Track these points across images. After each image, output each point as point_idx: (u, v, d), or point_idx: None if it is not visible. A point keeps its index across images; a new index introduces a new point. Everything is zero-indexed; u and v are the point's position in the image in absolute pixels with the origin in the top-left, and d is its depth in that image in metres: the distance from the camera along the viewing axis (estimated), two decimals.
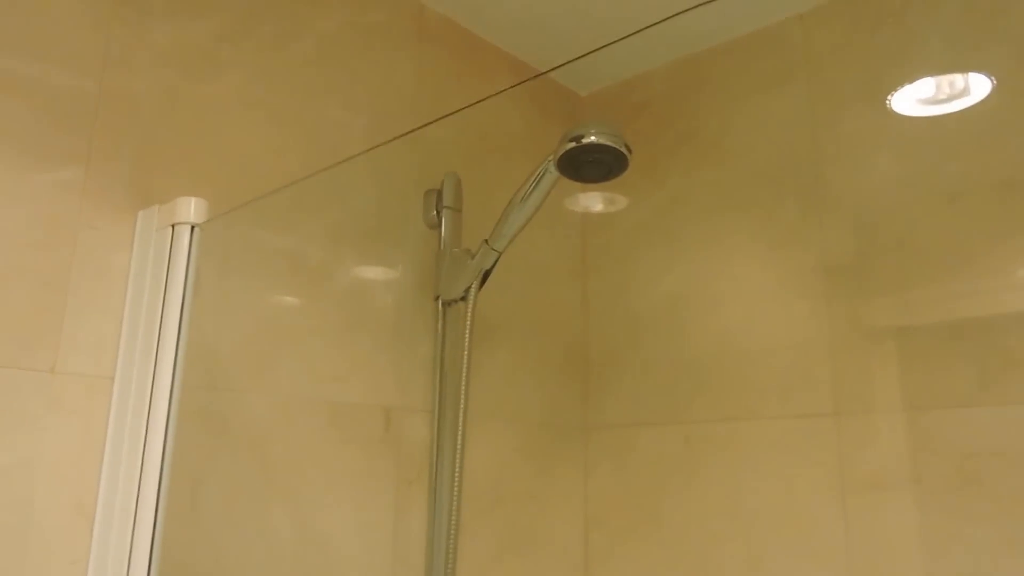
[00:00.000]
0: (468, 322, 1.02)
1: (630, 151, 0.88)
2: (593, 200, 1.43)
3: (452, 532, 0.98)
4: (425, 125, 1.16)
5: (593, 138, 0.87)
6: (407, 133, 1.14)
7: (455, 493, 1.00)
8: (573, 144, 0.87)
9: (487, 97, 1.27)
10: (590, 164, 0.89)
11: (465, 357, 1.01)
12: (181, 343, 0.78)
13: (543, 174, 0.94)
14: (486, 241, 1.02)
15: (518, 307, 1.26)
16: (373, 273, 1.07)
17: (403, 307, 1.09)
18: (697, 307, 1.26)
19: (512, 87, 1.35)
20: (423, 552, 1.05)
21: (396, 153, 1.13)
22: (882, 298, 1.09)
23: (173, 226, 0.80)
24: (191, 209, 0.80)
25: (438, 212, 1.11)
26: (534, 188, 0.94)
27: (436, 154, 1.17)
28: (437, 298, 1.10)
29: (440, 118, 1.17)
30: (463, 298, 1.05)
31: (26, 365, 0.75)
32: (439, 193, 1.12)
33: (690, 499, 1.22)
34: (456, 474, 1.01)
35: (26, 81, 0.78)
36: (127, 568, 0.75)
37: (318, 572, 0.95)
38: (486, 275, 1.03)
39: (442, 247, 1.10)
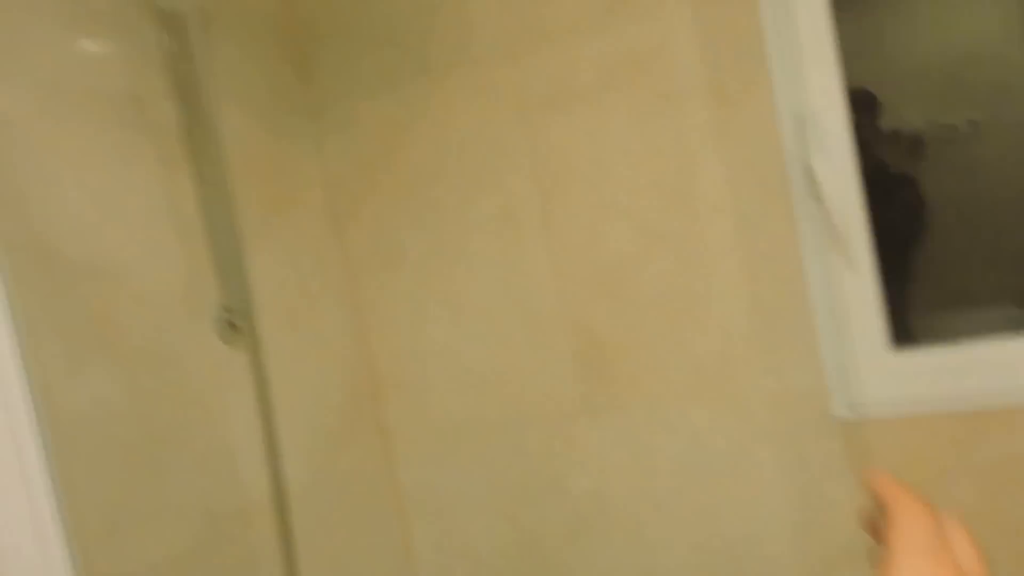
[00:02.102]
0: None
1: None
2: None
3: (229, 200, 1.16)
4: None
5: None
6: None
7: (223, 166, 1.22)
8: None
9: None
10: None
11: (200, 43, 1.19)
12: None
13: None
14: None
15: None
16: None
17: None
18: None
19: None
20: (200, 217, 1.26)
21: None
22: None
23: None
24: None
25: None
26: None
27: None
28: None
29: None
30: None
31: None
32: None
33: (412, 149, 1.53)
34: (218, 150, 1.20)
35: None
36: None
37: (121, 240, 1.15)
38: None
39: None
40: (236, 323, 1.27)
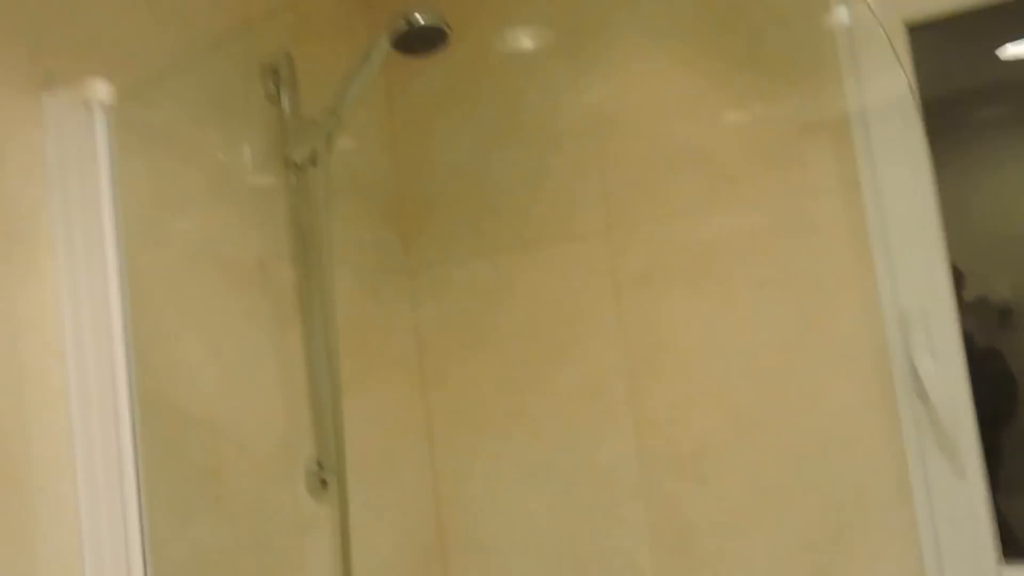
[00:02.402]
0: (323, 181, 1.29)
1: (451, 29, 1.11)
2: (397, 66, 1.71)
3: (334, 358, 1.27)
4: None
5: (423, 20, 1.11)
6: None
7: (332, 325, 1.28)
8: (405, 26, 1.12)
9: None
10: (418, 41, 1.12)
11: (324, 212, 1.28)
12: (117, 204, 0.97)
13: (377, 49, 1.16)
14: (328, 109, 1.25)
15: (343, 171, 1.50)
16: (229, 142, 1.27)
17: (258, 172, 1.31)
18: (490, 156, 1.59)
19: None
20: (304, 373, 1.33)
21: (234, 34, 1.32)
22: None
23: (88, 105, 0.96)
24: (99, 89, 0.96)
25: (276, 87, 1.33)
26: (367, 59, 1.17)
27: (265, 35, 1.37)
28: (287, 162, 1.34)
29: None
30: (312, 161, 1.30)
31: None
32: (275, 70, 1.34)
33: (501, 314, 1.58)
34: (330, 308, 1.28)
35: None
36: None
37: (234, 395, 1.20)
38: (329, 138, 1.28)
39: (285, 117, 1.33)
40: (326, 479, 1.30)
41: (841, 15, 1.34)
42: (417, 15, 1.12)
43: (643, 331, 1.46)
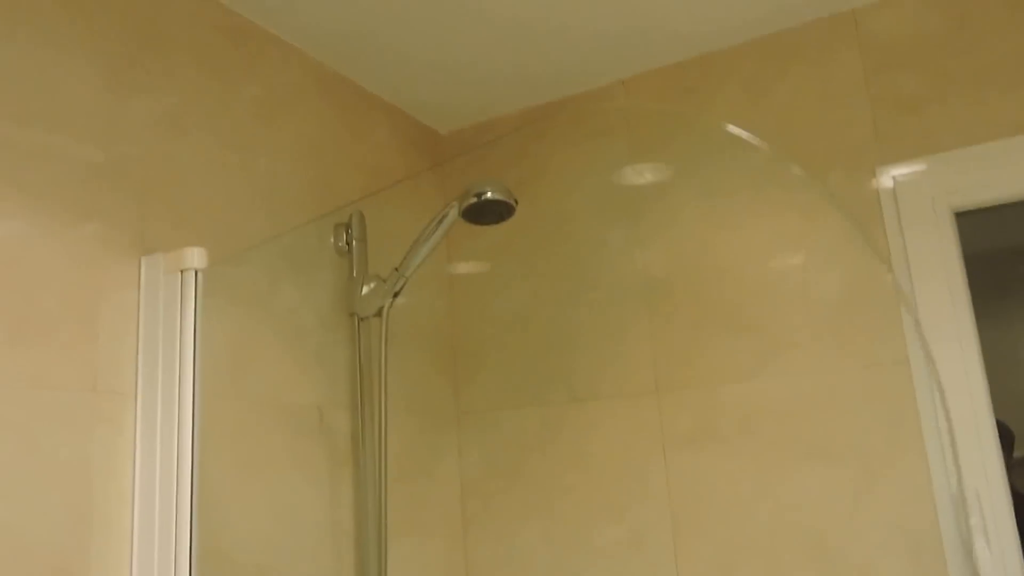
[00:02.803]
0: (384, 334, 1.36)
1: (517, 204, 1.18)
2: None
3: (383, 502, 1.31)
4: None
5: (491, 195, 1.17)
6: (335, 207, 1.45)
7: (382, 471, 1.33)
8: (475, 199, 1.21)
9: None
10: (486, 212, 1.19)
11: (383, 363, 1.34)
12: (197, 361, 1.05)
13: (446, 217, 1.24)
14: (396, 268, 1.34)
15: (400, 320, 1.56)
16: (304, 296, 1.35)
17: (325, 323, 1.38)
18: (543, 311, 1.64)
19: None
20: (352, 517, 1.36)
21: (309, 197, 1.41)
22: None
23: (182, 271, 1.04)
24: (195, 257, 1.05)
25: (348, 243, 1.42)
26: (437, 227, 1.26)
27: (337, 191, 1.46)
28: (352, 315, 1.40)
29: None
30: (377, 314, 1.36)
31: (75, 385, 0.99)
32: (347, 227, 1.42)
33: (546, 465, 1.59)
34: (382, 455, 1.33)
35: (47, 150, 1.01)
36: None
37: (284, 539, 1.24)
38: (395, 295, 1.36)
39: (354, 272, 1.41)
40: None
41: (887, 185, 1.40)
42: (488, 190, 1.20)
43: (689, 492, 1.46)
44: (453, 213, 1.23)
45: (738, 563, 1.40)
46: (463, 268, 1.75)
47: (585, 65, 1.59)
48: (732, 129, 1.54)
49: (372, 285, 1.39)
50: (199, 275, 1.06)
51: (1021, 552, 1.24)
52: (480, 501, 1.65)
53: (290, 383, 1.29)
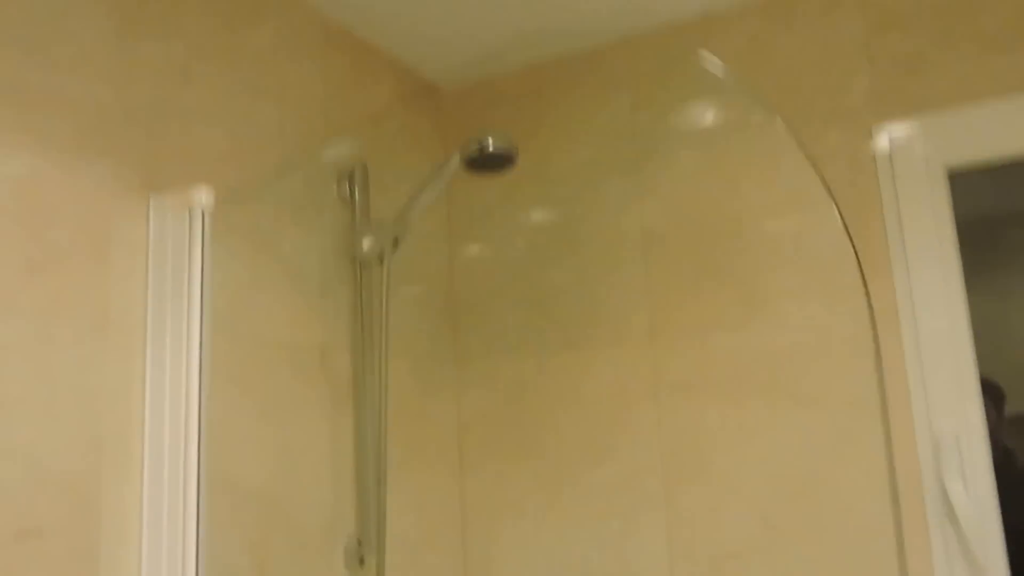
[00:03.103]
0: (385, 280, 1.38)
1: (518, 155, 1.20)
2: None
3: (383, 439, 1.36)
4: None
5: (495, 147, 1.19)
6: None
7: (382, 410, 1.37)
8: (478, 149, 1.22)
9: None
10: (488, 163, 1.21)
11: (384, 309, 1.37)
12: (205, 295, 1.09)
13: (448, 168, 1.28)
14: (397, 215, 1.37)
15: (401, 267, 1.59)
16: (307, 240, 1.39)
17: (327, 267, 1.42)
18: (542, 261, 1.68)
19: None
20: (352, 452, 1.42)
21: (313, 145, 1.44)
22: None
23: (189, 209, 1.08)
24: (201, 195, 1.08)
25: (351, 192, 1.46)
26: (439, 176, 1.28)
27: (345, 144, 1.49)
28: (354, 260, 1.45)
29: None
30: (378, 261, 1.40)
31: (87, 317, 1.03)
32: (351, 176, 1.46)
33: (541, 408, 1.64)
34: (382, 395, 1.37)
35: (59, 91, 1.04)
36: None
37: (287, 471, 1.30)
38: (396, 243, 1.40)
39: (356, 220, 1.45)
40: (364, 556, 1.38)
41: (883, 144, 1.42)
42: (490, 141, 1.24)
43: (679, 435, 1.51)
44: (455, 162, 1.27)
45: (726, 503, 1.46)
46: (463, 218, 1.79)
47: (589, 23, 1.61)
48: (706, 58, 1.56)
49: (374, 233, 1.43)
50: (205, 214, 1.11)
51: (995, 493, 1.30)
52: (476, 443, 1.71)
53: (293, 324, 1.33)
